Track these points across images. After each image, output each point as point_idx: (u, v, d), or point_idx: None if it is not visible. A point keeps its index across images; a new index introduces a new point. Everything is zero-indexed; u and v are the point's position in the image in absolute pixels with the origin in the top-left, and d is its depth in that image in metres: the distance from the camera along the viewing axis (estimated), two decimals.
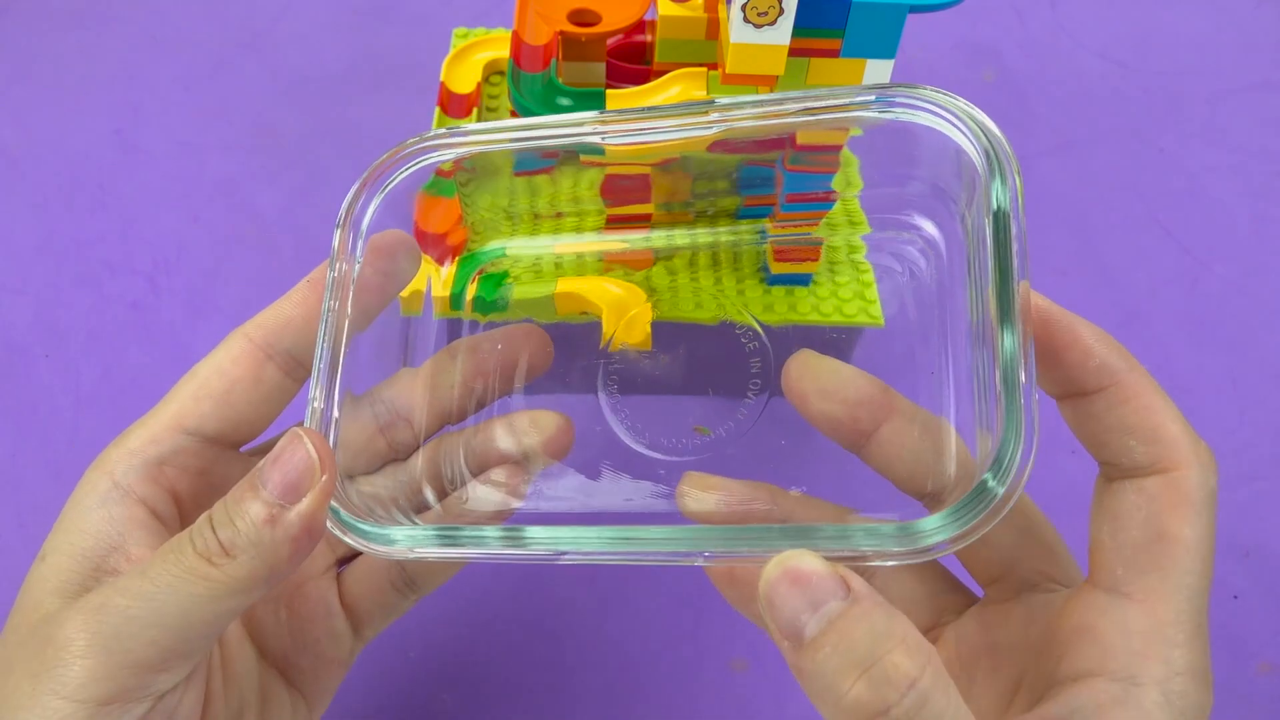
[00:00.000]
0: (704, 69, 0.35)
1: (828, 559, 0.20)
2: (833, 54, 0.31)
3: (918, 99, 0.23)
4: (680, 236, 0.39)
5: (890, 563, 0.21)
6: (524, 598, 0.38)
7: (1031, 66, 0.59)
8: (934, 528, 0.20)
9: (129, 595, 0.22)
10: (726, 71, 0.30)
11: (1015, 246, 0.21)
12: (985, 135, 0.22)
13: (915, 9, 0.30)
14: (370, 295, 0.27)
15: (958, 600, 0.27)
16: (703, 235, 0.40)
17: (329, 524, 0.24)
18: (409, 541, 0.24)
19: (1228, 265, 0.49)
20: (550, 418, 0.28)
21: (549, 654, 0.37)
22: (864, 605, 0.19)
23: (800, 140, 0.34)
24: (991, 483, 0.20)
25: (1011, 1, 0.63)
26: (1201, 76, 0.59)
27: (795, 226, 0.37)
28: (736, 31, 0.29)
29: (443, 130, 0.26)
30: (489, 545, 0.23)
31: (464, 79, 0.44)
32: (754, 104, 0.24)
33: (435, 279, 0.37)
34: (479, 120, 0.44)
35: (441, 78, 0.44)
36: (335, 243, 0.25)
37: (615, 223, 0.39)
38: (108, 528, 0.25)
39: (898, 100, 0.23)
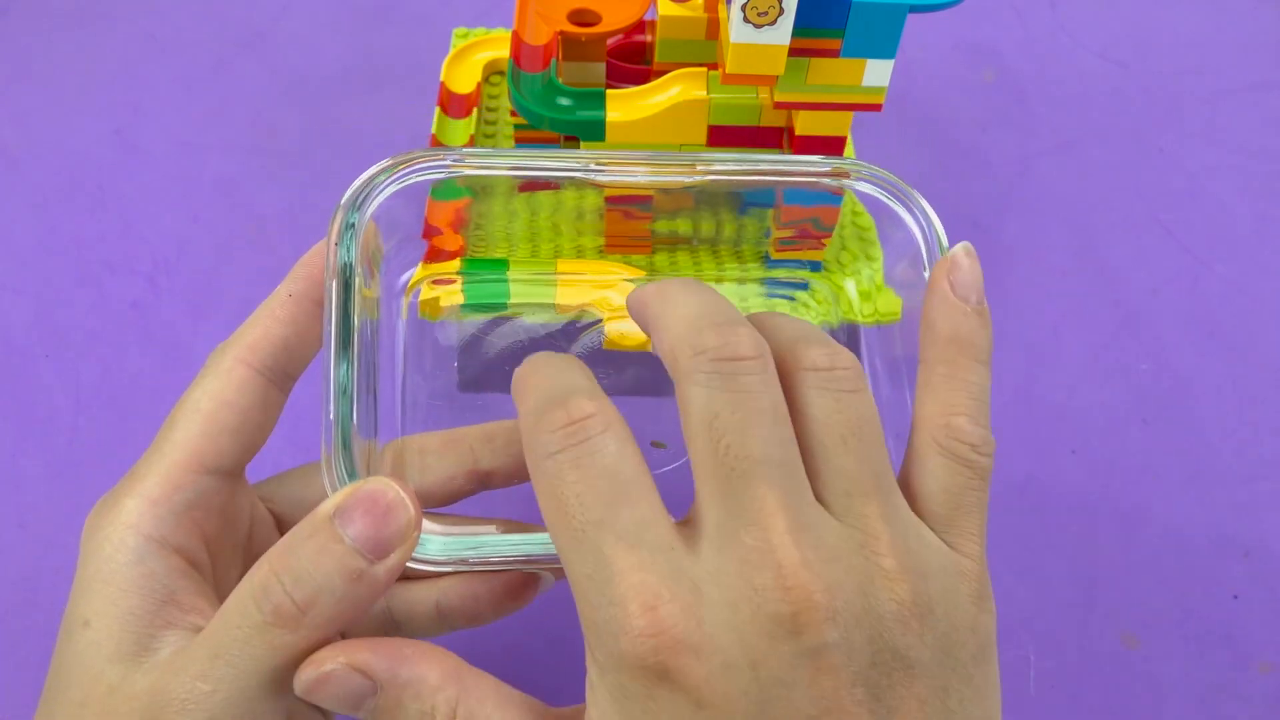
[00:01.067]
0: (704, 69, 0.35)
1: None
2: (833, 54, 0.31)
3: (869, 176, 0.28)
4: (682, 255, 0.40)
5: None
6: None
7: (1031, 66, 0.59)
8: None
9: (210, 680, 0.22)
10: (726, 71, 0.30)
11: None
12: (925, 213, 0.28)
13: (915, 9, 0.30)
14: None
15: None
16: (704, 254, 0.40)
17: None
18: (447, 550, 0.24)
19: (1228, 265, 0.49)
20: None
21: (549, 653, 0.37)
22: (392, 693, 0.22)
23: (799, 132, 0.34)
24: None
25: (1011, 1, 0.63)
26: (1201, 76, 0.59)
27: (795, 249, 0.37)
28: (736, 31, 0.29)
29: (440, 150, 0.27)
30: (534, 549, 0.25)
31: (464, 79, 0.44)
32: (735, 161, 0.28)
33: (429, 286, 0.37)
34: (478, 120, 0.44)
35: (441, 78, 0.44)
36: (331, 256, 0.25)
37: (615, 239, 0.39)
38: (151, 583, 0.24)
39: (853, 174, 0.28)
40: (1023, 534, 0.39)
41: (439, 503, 0.29)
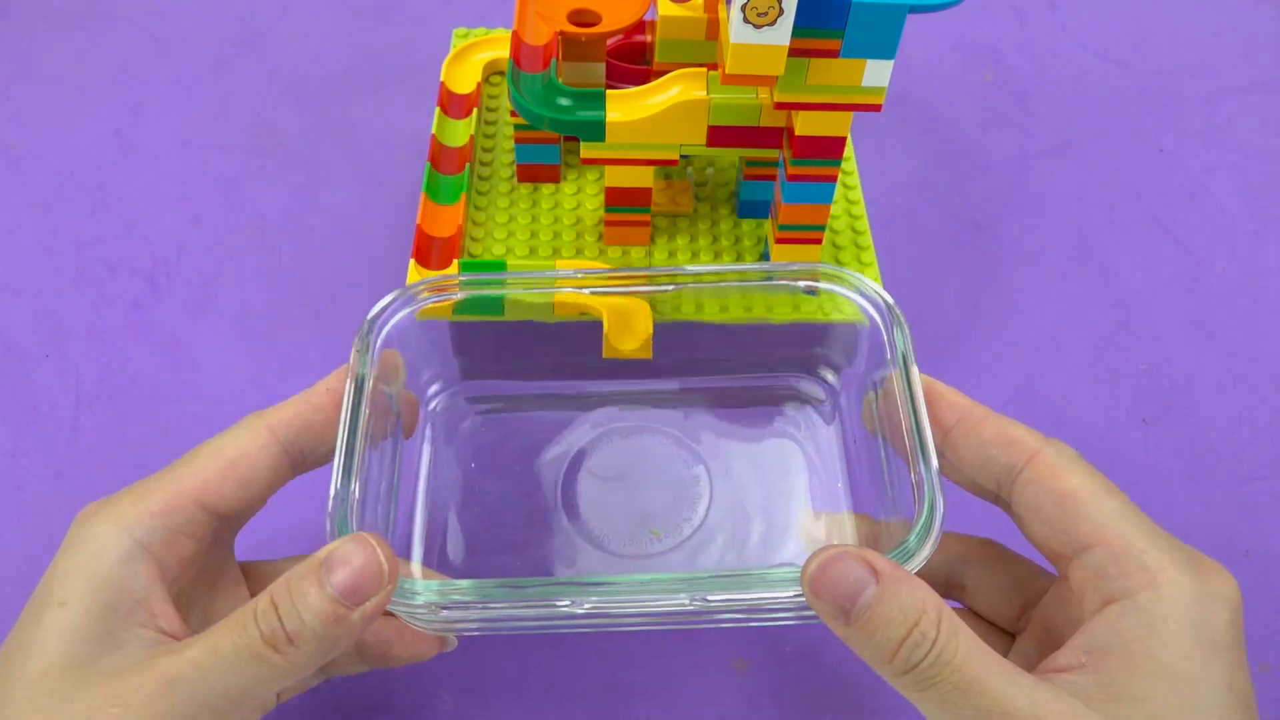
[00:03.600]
0: (704, 69, 0.35)
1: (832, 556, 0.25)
2: (833, 54, 0.31)
3: (824, 276, 0.32)
4: (682, 254, 0.40)
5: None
6: None
7: (1031, 66, 0.59)
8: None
9: (201, 670, 0.24)
10: (726, 72, 0.30)
11: (917, 374, 0.29)
12: (882, 298, 0.31)
13: (915, 9, 0.30)
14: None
15: (1041, 584, 0.30)
16: (704, 250, 0.40)
17: None
18: (435, 597, 0.26)
19: (1228, 265, 0.49)
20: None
21: (549, 653, 0.37)
22: (890, 585, 0.24)
23: (799, 132, 0.34)
24: (915, 541, 0.26)
25: (1011, 1, 0.63)
26: (1201, 76, 0.59)
27: (792, 243, 0.37)
28: (736, 32, 0.29)
29: (449, 276, 0.32)
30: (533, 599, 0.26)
31: (464, 79, 0.44)
32: (710, 274, 0.32)
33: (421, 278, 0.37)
34: (478, 120, 0.44)
35: (441, 78, 0.44)
36: (352, 361, 0.30)
37: (615, 222, 0.39)
38: (133, 584, 0.26)
39: (812, 275, 0.32)
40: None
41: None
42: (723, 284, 0.32)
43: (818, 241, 0.37)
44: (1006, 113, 0.56)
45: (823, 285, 0.32)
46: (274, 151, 0.52)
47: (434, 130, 0.41)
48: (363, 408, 0.29)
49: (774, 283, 0.32)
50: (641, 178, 0.37)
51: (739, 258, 0.40)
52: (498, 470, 0.34)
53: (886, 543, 0.30)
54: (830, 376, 0.36)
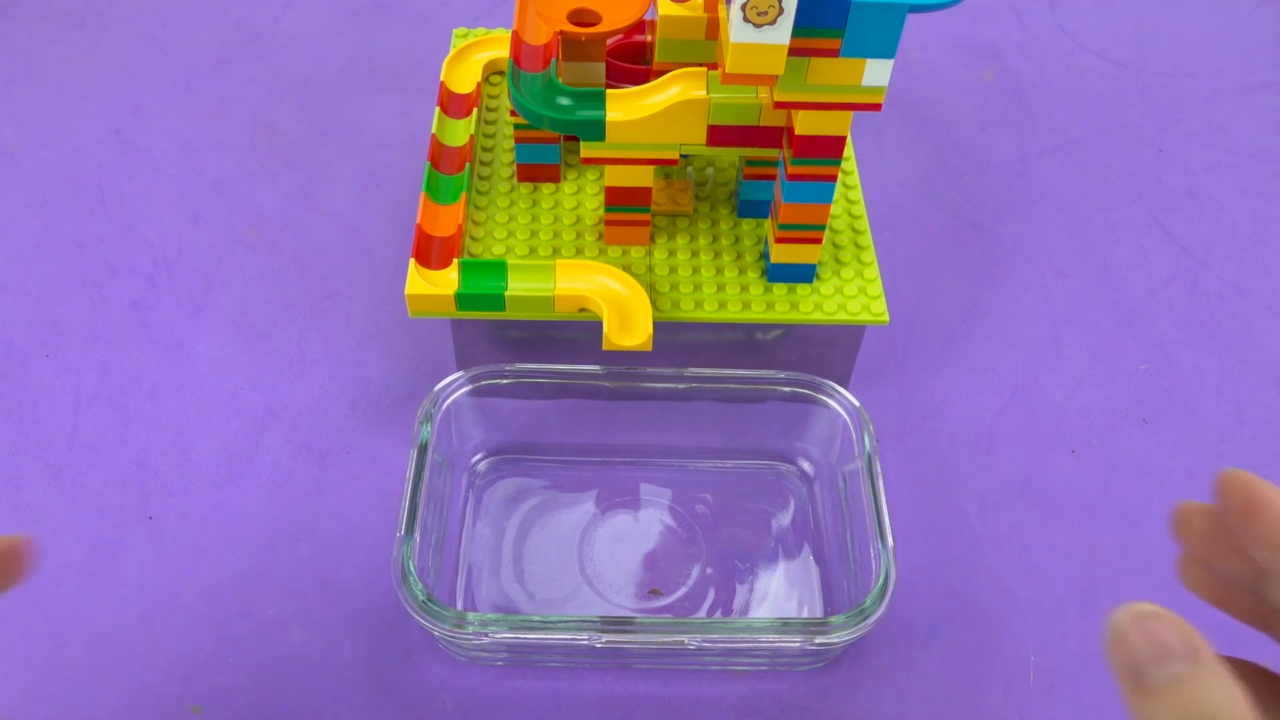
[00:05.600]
0: (704, 69, 0.35)
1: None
2: (832, 54, 0.31)
3: (808, 382, 0.38)
4: (681, 253, 0.40)
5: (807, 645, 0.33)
6: None
7: (1031, 66, 0.59)
8: (839, 623, 0.32)
9: None
10: (726, 71, 0.30)
11: (879, 469, 0.35)
12: (852, 402, 0.37)
13: (915, 9, 0.30)
14: None
15: None
16: (704, 252, 0.40)
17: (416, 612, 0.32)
18: (482, 625, 0.32)
19: (1227, 265, 0.49)
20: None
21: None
22: (1206, 672, 0.20)
23: (799, 132, 0.34)
24: (871, 602, 0.32)
25: (1011, 1, 0.63)
26: (1201, 76, 0.59)
27: (792, 243, 0.37)
28: (736, 31, 0.29)
29: (502, 367, 0.38)
30: (556, 631, 0.32)
31: (464, 79, 0.44)
32: (714, 372, 0.38)
33: (421, 277, 0.37)
34: (478, 120, 0.44)
35: (441, 78, 0.44)
36: (415, 429, 0.36)
37: (615, 223, 0.39)
38: None
39: (798, 381, 0.38)
40: (1023, 534, 0.39)
41: None
42: (722, 386, 0.38)
43: (817, 241, 0.37)
44: (1006, 113, 0.56)
45: (803, 391, 0.38)
46: (274, 151, 0.52)
47: (434, 130, 0.41)
48: (425, 470, 0.34)
49: (760, 385, 0.38)
50: (641, 177, 0.37)
51: (739, 257, 0.40)
52: (526, 531, 0.39)
53: (843, 602, 0.36)
54: (807, 465, 0.41)
